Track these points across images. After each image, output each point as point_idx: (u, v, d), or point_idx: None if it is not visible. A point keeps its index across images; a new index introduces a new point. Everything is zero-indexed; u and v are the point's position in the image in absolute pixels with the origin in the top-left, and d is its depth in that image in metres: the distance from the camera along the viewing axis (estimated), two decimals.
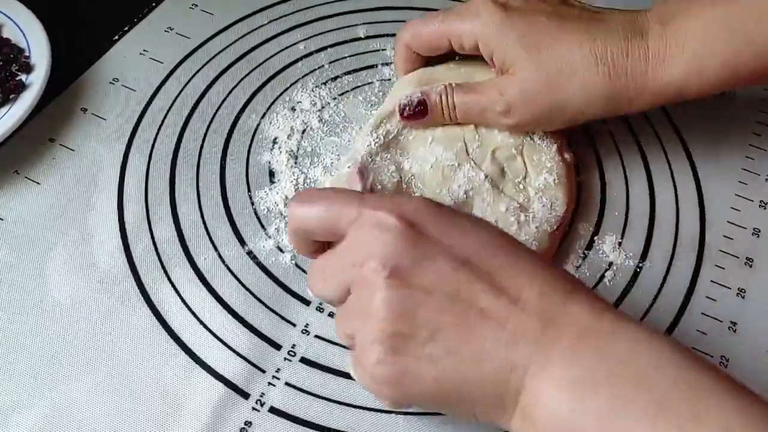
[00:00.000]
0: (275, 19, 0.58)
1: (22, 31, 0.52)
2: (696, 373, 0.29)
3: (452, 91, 0.45)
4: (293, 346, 0.41)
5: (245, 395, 0.39)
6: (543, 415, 0.30)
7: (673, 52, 0.42)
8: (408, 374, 0.32)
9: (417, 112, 0.45)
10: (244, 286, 0.43)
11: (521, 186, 0.46)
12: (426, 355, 0.32)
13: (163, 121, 0.51)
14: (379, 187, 0.44)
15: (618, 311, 0.32)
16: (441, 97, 0.45)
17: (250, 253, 0.45)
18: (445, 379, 0.32)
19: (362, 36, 0.57)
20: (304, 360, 0.41)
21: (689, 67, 0.42)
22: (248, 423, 0.39)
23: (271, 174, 0.49)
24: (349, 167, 0.44)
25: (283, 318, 0.42)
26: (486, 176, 0.45)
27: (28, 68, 0.50)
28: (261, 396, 0.39)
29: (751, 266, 0.46)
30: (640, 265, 0.45)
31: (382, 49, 0.56)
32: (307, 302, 0.43)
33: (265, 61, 0.55)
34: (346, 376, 0.40)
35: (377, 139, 0.46)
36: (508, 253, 0.33)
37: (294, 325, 0.42)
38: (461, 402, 0.32)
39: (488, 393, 0.31)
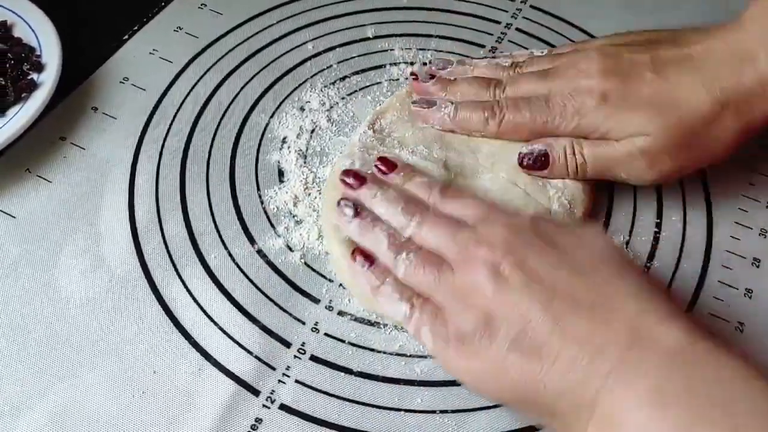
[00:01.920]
0: (284, 19, 0.58)
1: (33, 30, 0.52)
2: None
3: (580, 145, 0.44)
4: (303, 344, 0.42)
5: (255, 392, 0.40)
6: (620, 425, 0.31)
7: None
8: (493, 369, 0.34)
9: (538, 164, 0.45)
10: (254, 284, 0.44)
11: (540, 183, 0.46)
12: (512, 346, 0.34)
13: (172, 121, 0.51)
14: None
15: (716, 340, 0.32)
16: (566, 150, 0.44)
17: (259, 252, 0.45)
18: (525, 377, 0.33)
19: (370, 36, 0.57)
20: (313, 358, 0.41)
21: None
22: (258, 420, 0.39)
23: (281, 173, 0.49)
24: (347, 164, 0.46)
25: (292, 316, 0.43)
26: (504, 177, 0.45)
27: (39, 67, 0.50)
28: (271, 393, 0.40)
29: (758, 267, 0.46)
30: (648, 264, 0.46)
31: (390, 49, 0.56)
32: (316, 300, 0.43)
33: (273, 60, 0.55)
34: (356, 374, 0.41)
35: (373, 134, 0.47)
36: (616, 267, 0.35)
37: (303, 323, 0.43)
38: (536, 403, 0.34)
39: (564, 397, 0.33)
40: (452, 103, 0.47)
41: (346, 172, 0.44)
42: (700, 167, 0.46)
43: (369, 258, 0.41)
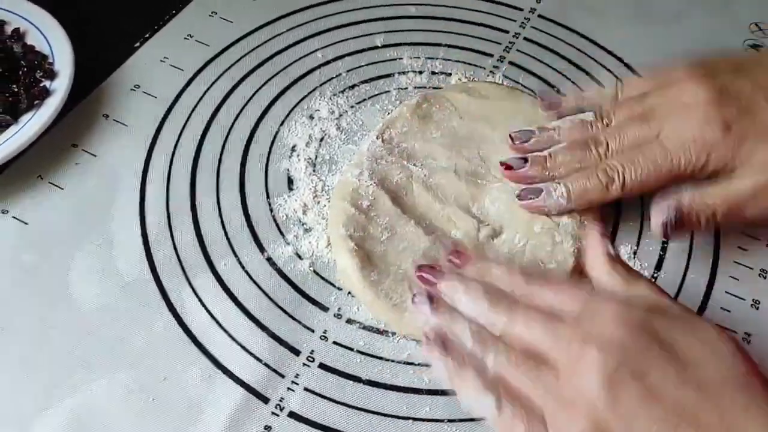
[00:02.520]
0: (293, 28, 0.59)
1: (45, 38, 0.53)
2: None
3: (704, 192, 0.42)
4: (312, 351, 0.42)
5: (265, 400, 0.40)
6: None
7: None
8: None
9: (678, 226, 0.42)
10: (263, 292, 0.44)
11: None
12: None
13: (183, 128, 0.52)
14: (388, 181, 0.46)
15: None
16: (692, 199, 0.42)
17: (269, 260, 0.46)
18: None
19: (379, 45, 0.58)
20: (322, 366, 0.41)
21: None
22: (268, 427, 0.39)
23: (290, 181, 0.49)
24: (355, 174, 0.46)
25: (301, 324, 0.43)
26: (513, 186, 0.46)
27: (51, 75, 0.51)
28: (280, 401, 0.40)
29: (765, 278, 0.46)
30: (655, 275, 0.46)
31: (399, 58, 0.57)
32: (325, 308, 0.44)
33: (283, 69, 0.56)
34: (364, 382, 0.41)
35: (381, 143, 0.48)
36: (744, 382, 0.31)
37: (312, 331, 0.43)
38: None
39: None
40: (559, 182, 0.44)
41: (421, 267, 0.39)
42: None
43: (446, 344, 0.36)
